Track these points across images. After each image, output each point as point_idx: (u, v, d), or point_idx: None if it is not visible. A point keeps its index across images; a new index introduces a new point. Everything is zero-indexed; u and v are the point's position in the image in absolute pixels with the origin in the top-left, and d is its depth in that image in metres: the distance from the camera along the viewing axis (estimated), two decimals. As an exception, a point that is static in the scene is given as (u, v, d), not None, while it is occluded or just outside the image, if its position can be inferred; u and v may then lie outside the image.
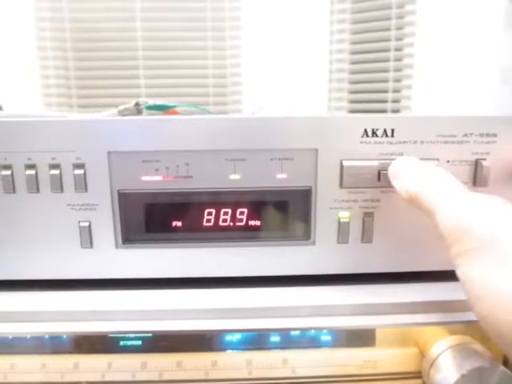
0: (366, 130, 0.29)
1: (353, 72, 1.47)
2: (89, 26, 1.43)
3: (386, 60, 1.42)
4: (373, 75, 1.45)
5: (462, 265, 0.21)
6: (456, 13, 1.26)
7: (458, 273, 0.22)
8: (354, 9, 1.43)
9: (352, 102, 1.49)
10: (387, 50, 1.41)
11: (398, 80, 1.42)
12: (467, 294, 0.21)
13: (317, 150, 0.29)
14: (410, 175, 0.26)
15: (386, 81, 1.43)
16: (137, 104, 0.43)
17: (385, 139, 0.29)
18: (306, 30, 1.43)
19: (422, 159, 0.29)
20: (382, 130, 0.29)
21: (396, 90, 1.43)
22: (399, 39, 1.40)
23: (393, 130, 0.29)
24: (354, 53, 1.46)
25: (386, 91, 1.43)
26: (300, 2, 1.41)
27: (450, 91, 1.28)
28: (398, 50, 1.41)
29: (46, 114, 0.50)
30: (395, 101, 1.43)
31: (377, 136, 0.29)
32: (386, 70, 1.42)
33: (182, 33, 1.46)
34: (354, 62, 1.47)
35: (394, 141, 0.29)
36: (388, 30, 1.40)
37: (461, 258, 0.21)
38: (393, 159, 0.29)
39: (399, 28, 1.40)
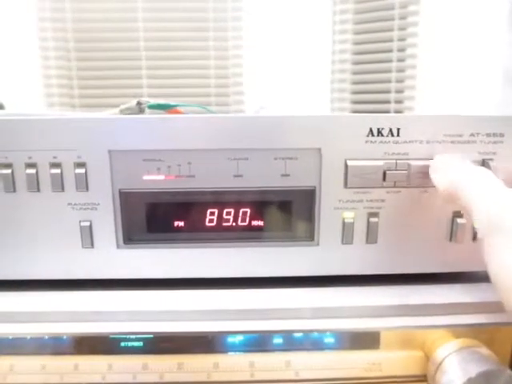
0: (371, 130, 0.28)
1: (355, 72, 1.47)
2: (91, 26, 1.43)
3: (389, 61, 1.41)
4: (375, 76, 1.44)
5: (495, 256, 0.21)
6: (459, 13, 1.26)
7: (490, 265, 0.22)
8: (356, 9, 1.42)
9: (354, 102, 1.49)
10: (390, 51, 1.41)
11: (400, 81, 1.42)
12: (498, 286, 0.21)
13: (321, 149, 0.28)
14: (450, 171, 0.26)
15: (388, 81, 1.42)
16: (139, 103, 0.43)
17: (390, 138, 0.28)
18: (308, 31, 1.43)
19: (428, 159, 0.28)
20: (388, 130, 0.28)
21: (399, 91, 1.43)
22: (402, 40, 1.40)
23: (398, 130, 0.28)
24: (356, 53, 1.46)
25: (388, 92, 1.43)
26: (302, 3, 1.41)
27: (453, 92, 1.28)
28: (400, 50, 1.41)
29: (47, 113, 0.49)
30: (398, 101, 1.43)
31: (382, 135, 0.28)
32: (388, 71, 1.42)
33: (184, 33, 1.46)
34: (356, 63, 1.46)
35: (400, 140, 0.28)
36: (391, 30, 1.40)
37: (493, 249, 0.21)
38: (398, 159, 0.29)
39: (402, 29, 1.39)
